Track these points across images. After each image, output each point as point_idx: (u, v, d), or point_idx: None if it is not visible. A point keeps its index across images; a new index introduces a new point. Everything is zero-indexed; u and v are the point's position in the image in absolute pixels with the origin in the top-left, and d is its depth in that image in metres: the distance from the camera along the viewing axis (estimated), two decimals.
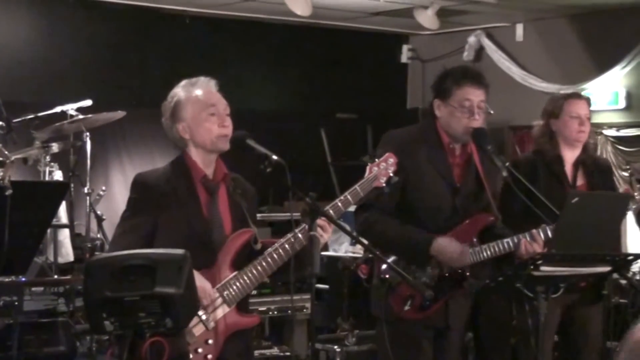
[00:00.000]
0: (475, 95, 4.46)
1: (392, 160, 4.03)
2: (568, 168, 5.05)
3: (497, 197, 4.69)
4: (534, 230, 4.43)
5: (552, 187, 4.86)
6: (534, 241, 4.40)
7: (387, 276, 4.42)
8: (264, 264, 3.78)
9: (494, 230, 4.52)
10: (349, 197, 3.91)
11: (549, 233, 4.42)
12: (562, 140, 5.04)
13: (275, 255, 3.77)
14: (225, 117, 3.83)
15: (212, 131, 3.78)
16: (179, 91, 3.84)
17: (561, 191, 4.83)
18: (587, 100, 5.14)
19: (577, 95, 5.16)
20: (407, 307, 4.42)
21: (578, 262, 4.27)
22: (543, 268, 4.17)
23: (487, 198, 4.51)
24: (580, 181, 5.06)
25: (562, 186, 4.95)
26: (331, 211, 3.79)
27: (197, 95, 3.81)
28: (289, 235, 3.78)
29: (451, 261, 4.40)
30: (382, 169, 4.01)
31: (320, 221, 3.67)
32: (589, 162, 5.09)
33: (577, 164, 5.07)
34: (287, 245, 3.77)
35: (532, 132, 5.22)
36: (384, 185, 4.01)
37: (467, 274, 4.45)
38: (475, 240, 4.47)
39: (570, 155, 5.06)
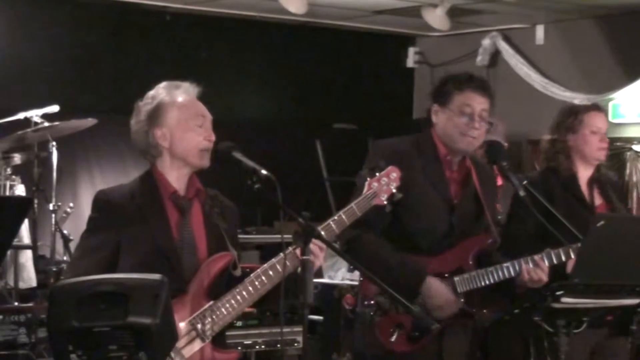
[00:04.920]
0: (477, 102, 4.49)
1: (395, 174, 4.01)
2: (583, 187, 5.07)
3: (497, 223, 4.70)
4: (536, 256, 4.45)
5: (572, 208, 4.87)
6: (537, 267, 4.41)
7: (372, 302, 4.40)
8: (244, 292, 3.75)
9: (493, 256, 4.54)
10: (343, 216, 3.89)
11: (554, 258, 4.46)
12: (579, 158, 5.07)
13: (257, 283, 3.75)
14: (211, 131, 3.84)
15: (199, 143, 3.79)
16: (162, 92, 3.85)
17: (582, 212, 4.85)
18: (606, 113, 5.19)
19: (597, 107, 5.20)
20: (393, 338, 4.40)
21: (604, 294, 4.28)
22: (564, 299, 4.18)
23: (486, 220, 4.53)
24: (597, 201, 5.10)
25: (583, 207, 4.98)
26: (323, 233, 3.76)
27: (183, 101, 3.82)
28: (275, 259, 3.75)
29: (437, 309, 4.39)
30: (383, 185, 3.98)
31: (312, 244, 3.64)
32: (603, 179, 5.13)
33: (592, 182, 5.10)
34: (271, 272, 3.75)
35: (539, 148, 5.24)
36: (385, 203, 3.98)
37: (462, 300, 4.45)
38: (470, 263, 4.48)
39: (584, 174, 5.10)
